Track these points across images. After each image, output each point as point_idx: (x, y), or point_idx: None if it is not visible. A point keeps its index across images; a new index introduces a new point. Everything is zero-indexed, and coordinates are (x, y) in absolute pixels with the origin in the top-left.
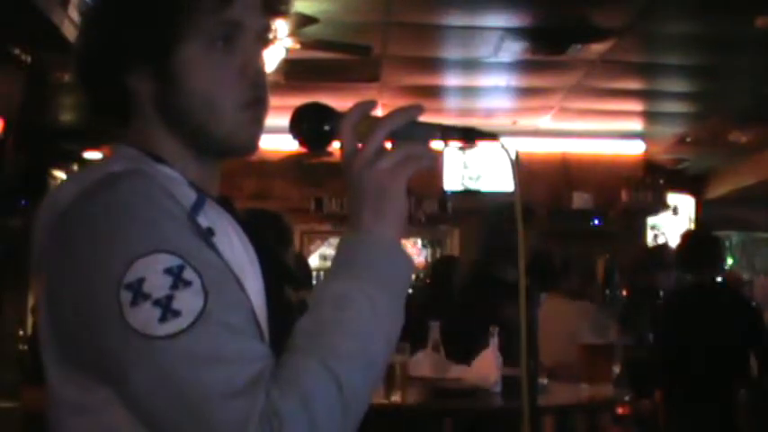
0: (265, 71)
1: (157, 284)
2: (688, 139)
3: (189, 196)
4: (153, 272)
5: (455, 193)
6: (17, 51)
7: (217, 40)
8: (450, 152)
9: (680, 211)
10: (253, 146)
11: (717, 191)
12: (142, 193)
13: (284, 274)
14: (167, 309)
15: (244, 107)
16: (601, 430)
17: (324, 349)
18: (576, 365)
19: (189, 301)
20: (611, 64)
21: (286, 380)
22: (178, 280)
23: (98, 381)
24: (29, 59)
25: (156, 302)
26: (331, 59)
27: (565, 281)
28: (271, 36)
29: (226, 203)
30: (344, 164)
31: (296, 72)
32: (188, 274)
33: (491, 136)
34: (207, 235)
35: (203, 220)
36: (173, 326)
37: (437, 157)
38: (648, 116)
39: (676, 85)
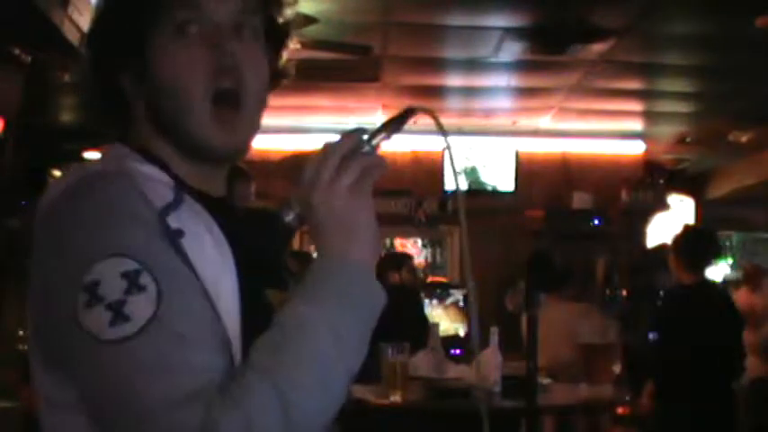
0: (244, 64)
1: (112, 288)
2: (688, 139)
3: (165, 197)
4: (110, 275)
5: (455, 193)
6: (17, 51)
7: (183, 30)
8: (451, 152)
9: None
10: (230, 148)
11: (717, 191)
12: (111, 195)
13: (268, 275)
14: (118, 313)
15: (213, 98)
16: (601, 430)
17: (279, 372)
18: (576, 365)
19: (140, 307)
20: (611, 64)
21: (233, 398)
22: (133, 285)
23: (69, 379)
24: (29, 59)
25: (109, 306)
26: (331, 59)
27: (566, 285)
28: (249, 30)
29: (220, 203)
30: (302, 200)
31: (296, 72)
32: (144, 279)
33: (425, 110)
34: (175, 236)
35: (174, 222)
36: (121, 331)
37: (386, 166)
38: (648, 116)
39: (676, 85)
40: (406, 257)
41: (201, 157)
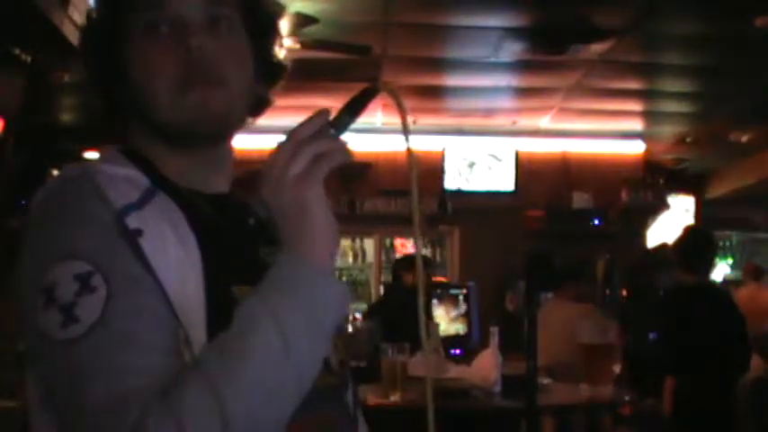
0: (216, 57)
1: (65, 290)
2: (688, 139)
3: (129, 196)
4: (64, 277)
5: (455, 193)
6: (17, 51)
7: (151, 30)
8: (451, 152)
9: (678, 210)
10: (206, 122)
11: (717, 191)
12: (69, 198)
13: (244, 271)
14: (69, 315)
15: (180, 88)
16: (602, 430)
17: (218, 372)
18: (576, 365)
19: (88, 309)
20: (611, 64)
21: (169, 400)
22: (84, 287)
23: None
24: (29, 59)
25: (61, 308)
26: (331, 59)
27: (566, 285)
28: (224, 22)
29: (213, 200)
30: (259, 192)
31: (296, 72)
32: (95, 281)
33: (388, 89)
34: (133, 236)
35: (133, 221)
36: (70, 332)
37: (348, 150)
38: (648, 116)
39: (676, 85)
40: (423, 260)
41: (183, 140)
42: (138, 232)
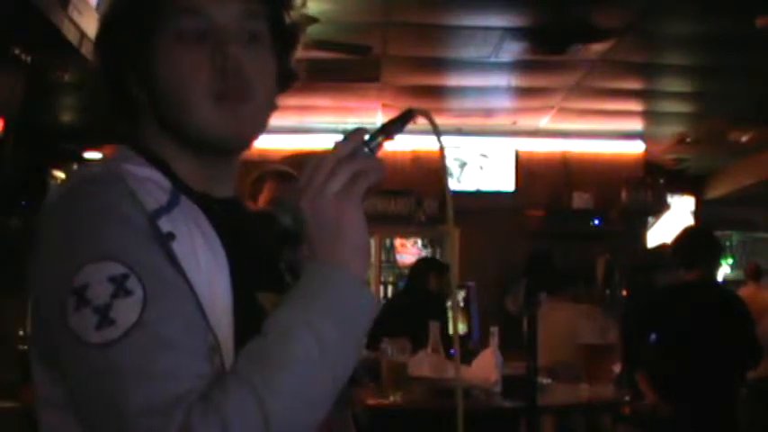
0: (248, 67)
1: (99, 292)
2: (688, 140)
3: (159, 199)
4: (98, 279)
5: (455, 193)
6: (17, 51)
7: (186, 35)
8: (450, 152)
9: (678, 210)
10: (234, 137)
11: (717, 191)
12: (102, 199)
13: (265, 277)
14: (104, 317)
15: (215, 97)
16: (601, 430)
17: (258, 377)
18: (576, 365)
19: (125, 311)
20: (611, 64)
21: (212, 404)
22: (119, 289)
23: (60, 378)
24: (29, 59)
25: (96, 309)
26: (331, 59)
27: (567, 286)
28: (254, 33)
29: (224, 205)
30: (294, 203)
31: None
32: (131, 283)
33: (424, 114)
34: (166, 240)
35: (165, 225)
36: (106, 335)
37: (384, 169)
38: (648, 116)
39: (676, 85)
40: (446, 267)
41: (205, 149)
42: (171, 236)
